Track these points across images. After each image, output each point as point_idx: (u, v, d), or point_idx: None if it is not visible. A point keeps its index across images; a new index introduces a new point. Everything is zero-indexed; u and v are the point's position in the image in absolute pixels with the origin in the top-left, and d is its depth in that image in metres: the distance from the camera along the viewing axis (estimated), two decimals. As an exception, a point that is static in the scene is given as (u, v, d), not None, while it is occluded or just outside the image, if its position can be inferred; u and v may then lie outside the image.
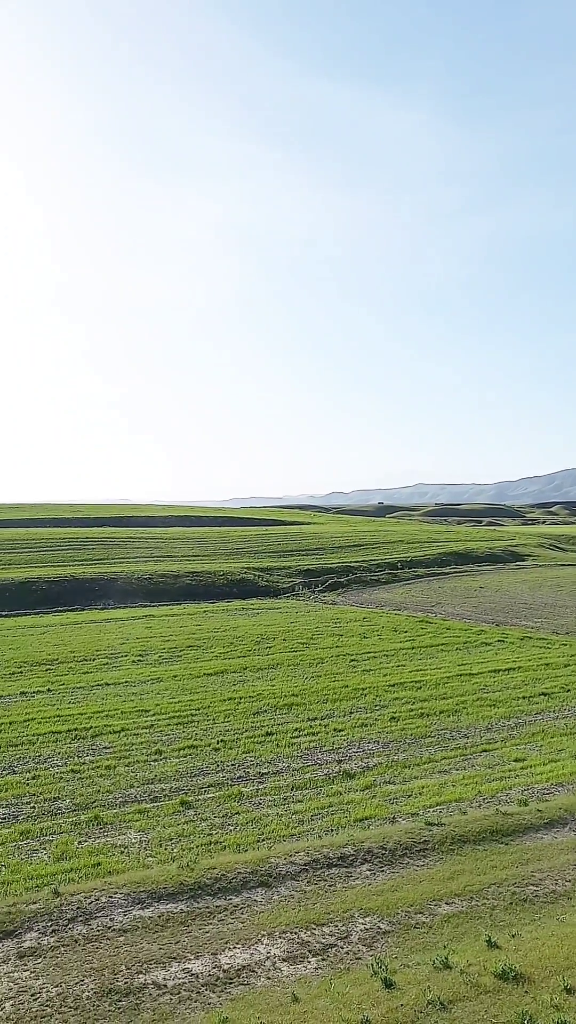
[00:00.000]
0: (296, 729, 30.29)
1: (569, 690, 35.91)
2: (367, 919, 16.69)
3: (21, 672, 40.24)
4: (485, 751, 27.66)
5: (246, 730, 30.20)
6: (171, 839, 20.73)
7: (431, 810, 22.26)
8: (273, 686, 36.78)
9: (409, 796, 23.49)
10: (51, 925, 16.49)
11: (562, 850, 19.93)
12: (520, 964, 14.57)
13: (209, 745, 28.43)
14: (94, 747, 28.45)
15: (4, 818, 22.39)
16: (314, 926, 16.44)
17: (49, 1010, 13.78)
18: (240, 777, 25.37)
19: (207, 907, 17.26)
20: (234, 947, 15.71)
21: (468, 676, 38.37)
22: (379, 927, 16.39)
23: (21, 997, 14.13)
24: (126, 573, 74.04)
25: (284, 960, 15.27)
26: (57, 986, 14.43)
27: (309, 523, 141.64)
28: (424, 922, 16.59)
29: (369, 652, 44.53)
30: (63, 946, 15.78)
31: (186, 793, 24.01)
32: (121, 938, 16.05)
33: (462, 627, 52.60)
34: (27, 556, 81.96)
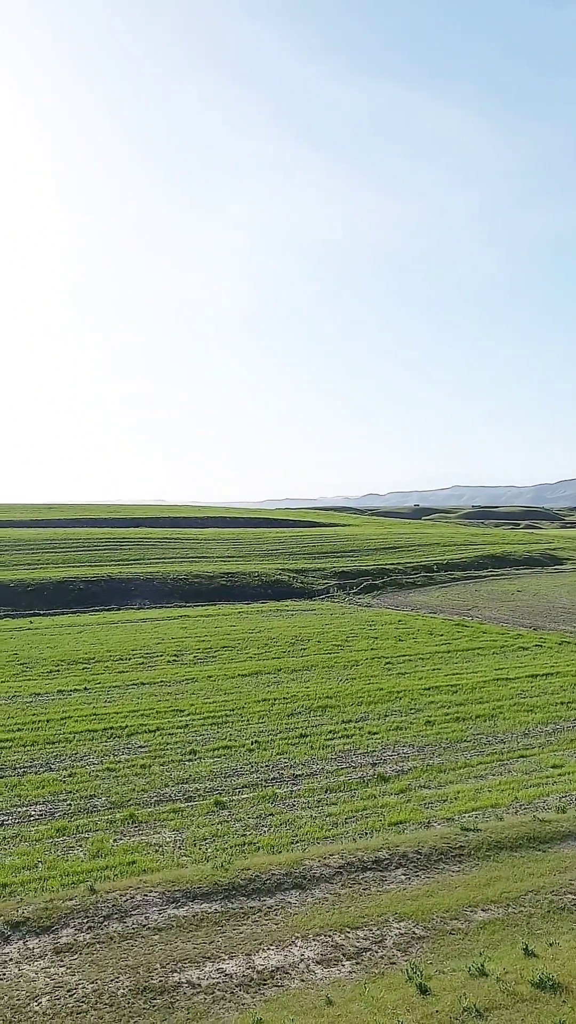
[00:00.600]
0: (330, 731, 30.21)
1: (608, 696, 35.34)
2: (402, 924, 16.56)
3: (58, 671, 40.71)
4: (522, 757, 27.32)
5: (280, 731, 30.20)
6: (205, 839, 20.79)
7: (467, 815, 22.03)
8: (307, 688, 36.73)
9: (444, 801, 23.28)
10: (87, 922, 16.62)
11: (601, 859, 19.60)
12: (558, 973, 14.32)
13: (243, 746, 28.48)
14: (129, 746, 28.66)
15: (41, 815, 22.65)
16: (348, 929, 16.35)
17: (85, 1006, 13.88)
18: (274, 778, 25.37)
19: (241, 907, 17.27)
20: (268, 948, 15.69)
21: (505, 681, 37.95)
22: (414, 932, 16.25)
23: (57, 992, 14.27)
24: (161, 573, 74.50)
25: (318, 963, 15.22)
26: (92, 982, 14.54)
27: (344, 525, 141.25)
28: (460, 928, 16.42)
29: (404, 655, 44.26)
30: (99, 943, 15.90)
31: (220, 793, 24.07)
32: (156, 936, 16.12)
33: (499, 631, 52.03)
34: (64, 556, 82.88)
